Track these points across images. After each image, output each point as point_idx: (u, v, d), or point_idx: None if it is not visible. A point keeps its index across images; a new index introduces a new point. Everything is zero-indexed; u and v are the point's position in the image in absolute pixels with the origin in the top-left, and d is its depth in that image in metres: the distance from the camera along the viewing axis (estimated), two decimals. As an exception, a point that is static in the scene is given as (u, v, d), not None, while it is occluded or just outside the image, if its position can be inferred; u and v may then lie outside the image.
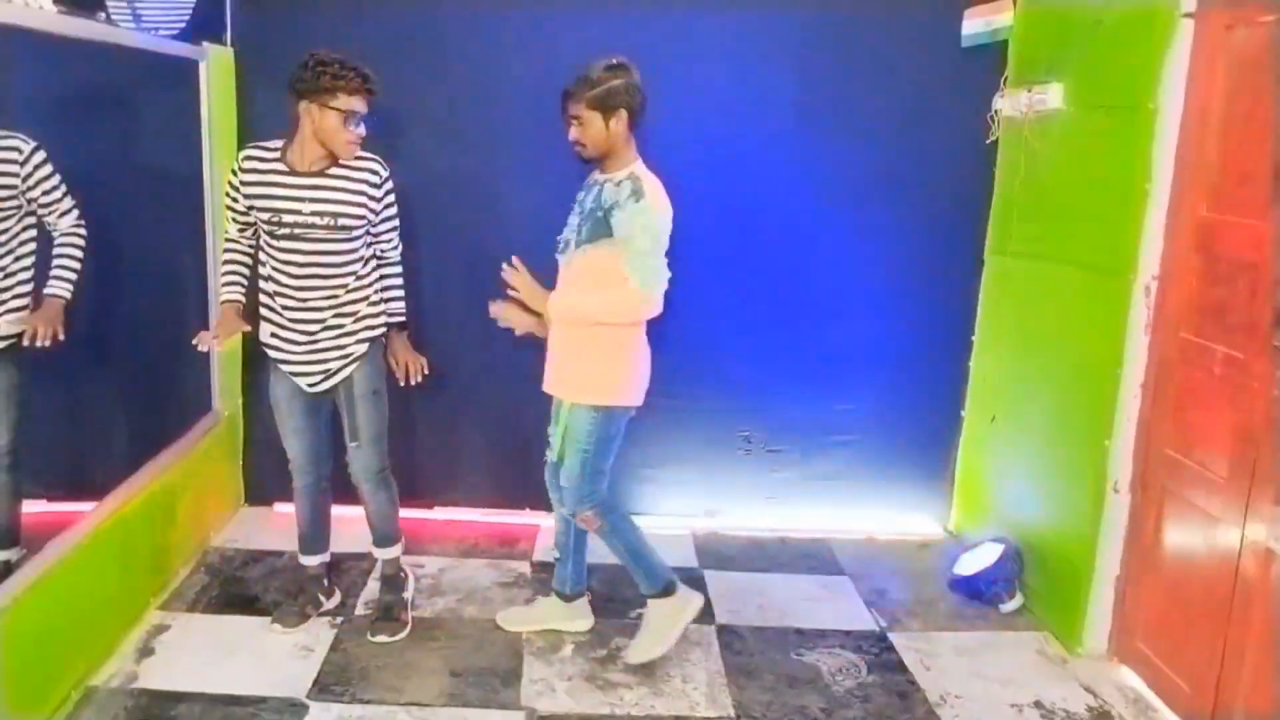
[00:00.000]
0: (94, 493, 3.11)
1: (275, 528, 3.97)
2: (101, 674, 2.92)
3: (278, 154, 2.97)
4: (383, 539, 3.35)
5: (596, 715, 2.88)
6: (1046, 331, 3.54)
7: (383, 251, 3.16)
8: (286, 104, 3.79)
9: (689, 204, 3.71)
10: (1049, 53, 3.53)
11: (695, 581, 3.69)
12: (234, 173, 2.99)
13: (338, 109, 2.84)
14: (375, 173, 3.00)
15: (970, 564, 3.66)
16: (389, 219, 3.11)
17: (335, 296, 3.03)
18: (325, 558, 3.42)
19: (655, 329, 3.75)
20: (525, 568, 3.76)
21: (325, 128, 2.87)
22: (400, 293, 3.23)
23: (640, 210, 2.86)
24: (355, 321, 3.09)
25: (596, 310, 2.95)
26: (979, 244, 4.01)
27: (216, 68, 3.65)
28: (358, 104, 2.88)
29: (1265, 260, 2.62)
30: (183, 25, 3.51)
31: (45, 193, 2.90)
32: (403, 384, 3.20)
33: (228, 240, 3.14)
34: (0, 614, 2.46)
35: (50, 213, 2.93)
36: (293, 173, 2.94)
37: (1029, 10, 3.67)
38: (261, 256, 3.05)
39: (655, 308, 2.93)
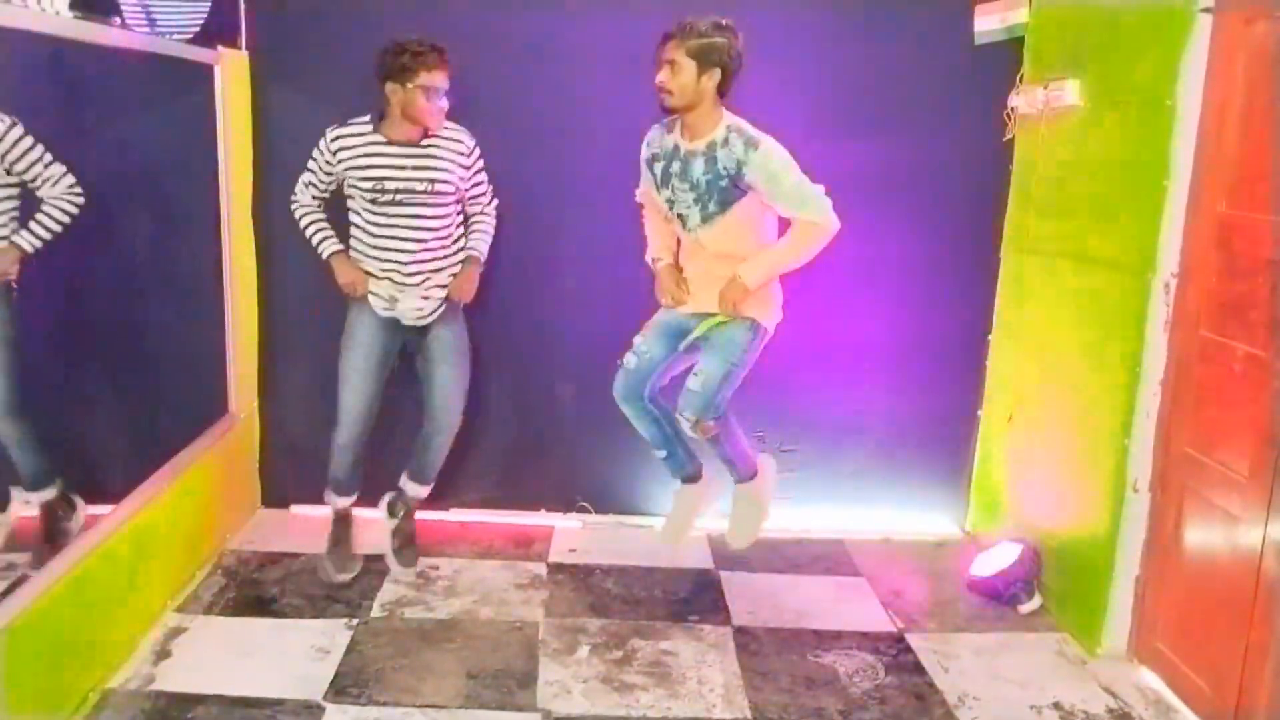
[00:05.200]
0: (110, 496, 3.12)
1: (292, 530, 3.98)
2: (119, 676, 2.93)
3: (370, 127, 3.27)
4: (427, 476, 3.66)
5: (612, 717, 2.87)
6: (1064, 330, 3.52)
7: (475, 208, 3.50)
8: (301, 109, 3.83)
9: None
10: (1065, 49, 3.51)
11: (711, 583, 3.69)
12: (324, 149, 3.31)
13: (420, 85, 3.13)
14: (462, 143, 3.35)
15: (988, 564, 3.64)
16: (479, 183, 3.46)
17: (431, 258, 3.35)
18: (353, 498, 3.67)
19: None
20: (541, 569, 3.76)
21: (411, 104, 3.17)
22: (480, 231, 3.52)
23: (764, 154, 2.94)
24: (445, 272, 3.40)
25: (791, 259, 3.04)
26: (995, 242, 3.99)
27: (231, 72, 3.66)
28: (438, 79, 3.17)
29: (1286, 257, 2.60)
30: (197, 30, 3.52)
31: (29, 165, 2.84)
32: (448, 299, 3.43)
33: (303, 206, 3.44)
34: (17, 617, 2.47)
35: (39, 185, 2.88)
36: (390, 143, 3.25)
37: (1045, 6, 3.65)
38: (354, 231, 3.36)
39: (836, 224, 2.98)
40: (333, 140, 3.29)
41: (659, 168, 3.12)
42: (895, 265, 4.01)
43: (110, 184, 3.21)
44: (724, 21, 2.95)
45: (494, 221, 3.56)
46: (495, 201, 3.56)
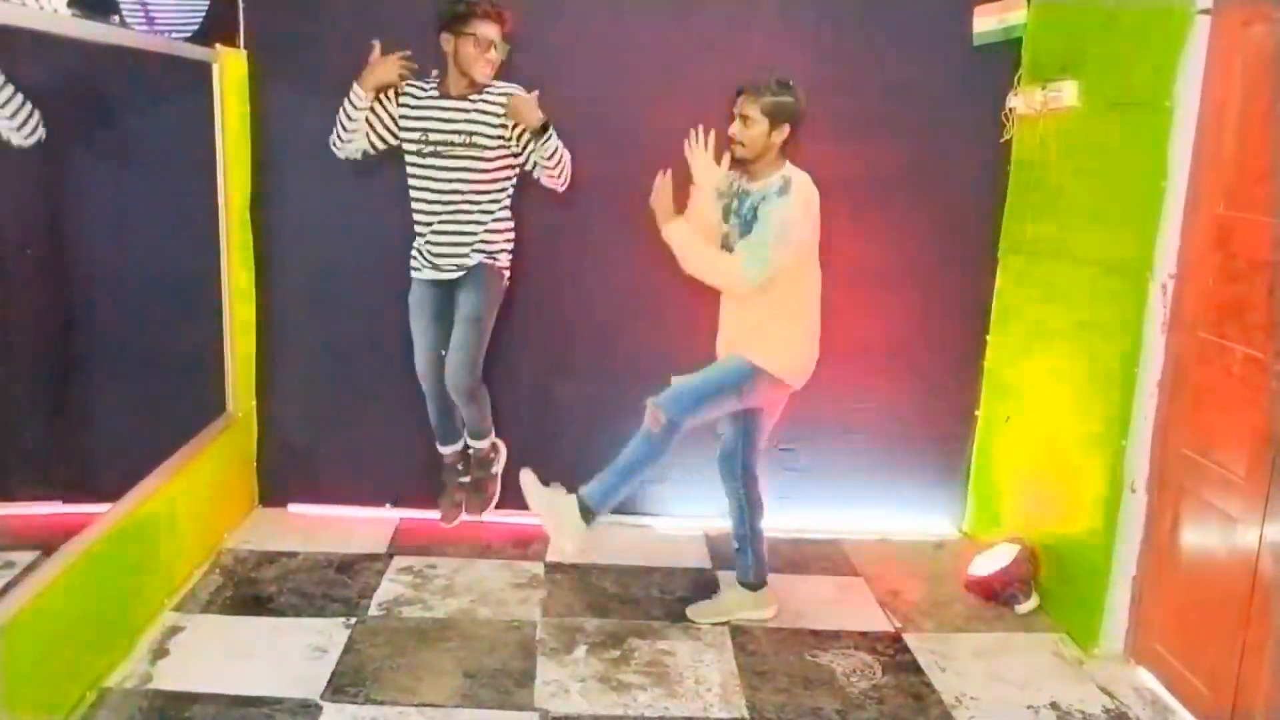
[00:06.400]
0: (108, 494, 3.12)
1: (289, 529, 3.98)
2: (116, 675, 2.93)
3: (435, 84, 3.44)
4: (474, 434, 3.81)
5: (610, 716, 2.87)
6: (1062, 331, 3.52)
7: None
8: (299, 107, 3.83)
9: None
10: (1064, 50, 3.51)
11: (709, 582, 3.69)
12: (390, 96, 3.44)
13: (471, 34, 3.26)
14: (512, 96, 3.37)
15: (985, 565, 3.64)
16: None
17: (466, 215, 3.45)
18: (458, 446, 3.88)
19: (666, 324, 3.73)
20: (539, 569, 3.76)
21: (462, 54, 3.29)
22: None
23: (781, 204, 3.06)
24: (484, 232, 3.48)
25: (698, 259, 3.16)
26: (993, 243, 3.99)
27: (229, 70, 3.66)
28: (488, 29, 3.28)
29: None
30: (195, 28, 3.52)
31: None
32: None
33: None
34: (14, 615, 2.46)
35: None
36: (442, 96, 3.40)
37: (1043, 7, 3.65)
38: (410, 190, 3.49)
39: (743, 286, 3.09)
40: (405, 86, 3.45)
41: (722, 204, 3.27)
42: (893, 266, 4.01)
43: (108, 182, 3.21)
44: (789, 81, 3.11)
45: (566, 157, 3.46)
46: (568, 154, 3.49)
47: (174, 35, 3.44)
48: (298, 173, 3.90)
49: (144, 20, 3.35)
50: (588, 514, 3.14)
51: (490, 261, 3.54)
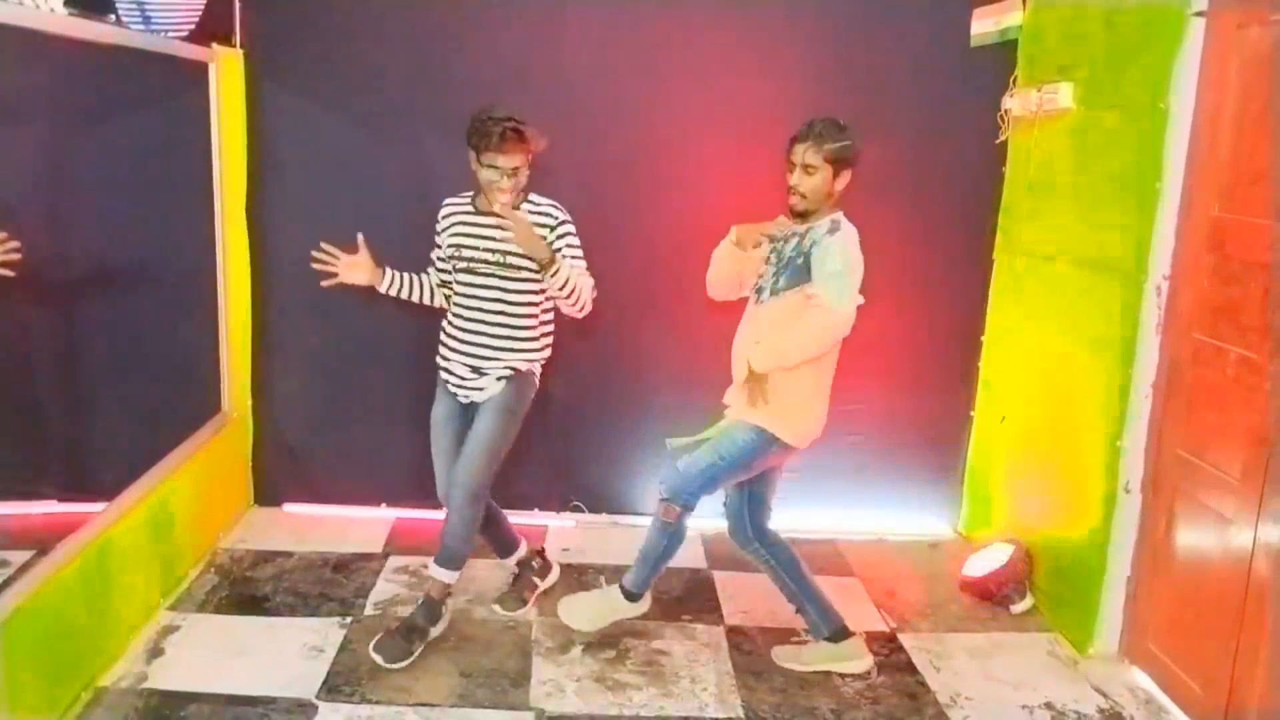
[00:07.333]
0: (104, 493, 3.11)
1: (284, 528, 3.98)
2: (111, 675, 2.93)
3: (469, 199, 3.21)
4: (445, 556, 3.22)
5: (605, 716, 2.88)
6: (1057, 332, 3.53)
7: None
8: (295, 106, 3.83)
9: (697, 205, 3.72)
10: (1059, 52, 3.52)
11: (705, 582, 3.69)
12: (439, 215, 3.26)
13: (483, 165, 3.02)
14: (547, 217, 3.12)
15: (980, 565, 3.65)
16: (568, 256, 3.14)
17: (495, 334, 3.16)
18: (518, 554, 3.57)
19: (663, 324, 3.72)
20: (534, 568, 3.76)
21: (482, 179, 3.07)
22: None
23: (834, 240, 2.88)
24: (510, 351, 3.18)
25: (799, 346, 2.90)
26: (988, 244, 4.00)
27: (226, 70, 3.66)
28: (502, 160, 3.00)
29: (1277, 261, 2.61)
30: (192, 27, 3.51)
31: None
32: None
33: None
34: (10, 615, 2.46)
35: None
36: (477, 213, 3.17)
37: (1039, 9, 3.66)
38: (450, 300, 3.27)
39: (847, 323, 2.87)
40: (443, 205, 3.25)
41: (767, 249, 3.07)
42: (888, 266, 3.97)
43: (105, 182, 3.20)
44: (844, 122, 2.93)
45: (584, 287, 3.13)
46: (591, 282, 3.17)
47: (170, 35, 3.44)
48: (294, 172, 3.90)
49: (140, 20, 3.34)
50: (633, 596, 3.18)
51: (522, 368, 3.21)
